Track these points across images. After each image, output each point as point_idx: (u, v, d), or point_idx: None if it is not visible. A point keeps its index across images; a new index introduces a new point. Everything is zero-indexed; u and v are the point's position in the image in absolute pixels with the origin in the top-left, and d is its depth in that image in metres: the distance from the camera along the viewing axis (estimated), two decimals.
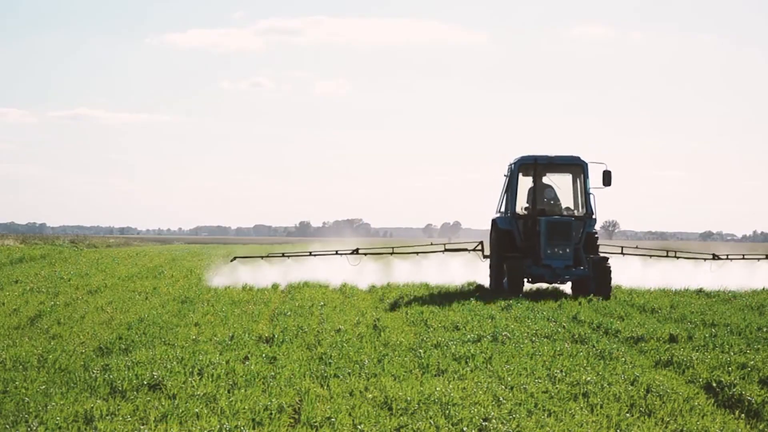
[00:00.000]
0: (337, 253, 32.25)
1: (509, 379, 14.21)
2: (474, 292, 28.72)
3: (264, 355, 16.29)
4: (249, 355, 16.23)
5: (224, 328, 19.85)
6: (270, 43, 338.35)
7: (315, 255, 32.81)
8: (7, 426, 11.62)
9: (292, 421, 11.82)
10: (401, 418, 11.82)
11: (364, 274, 32.37)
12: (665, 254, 34.37)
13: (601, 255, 29.24)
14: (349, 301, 26.07)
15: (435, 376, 14.65)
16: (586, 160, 28.96)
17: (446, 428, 11.39)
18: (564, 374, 14.57)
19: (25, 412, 12.07)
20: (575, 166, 29.06)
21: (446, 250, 32.86)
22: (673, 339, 18.64)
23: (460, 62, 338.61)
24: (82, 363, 15.70)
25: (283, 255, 33.29)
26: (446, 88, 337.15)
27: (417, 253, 34.77)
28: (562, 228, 28.07)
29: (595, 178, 28.86)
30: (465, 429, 11.36)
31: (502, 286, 28.82)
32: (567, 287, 30.13)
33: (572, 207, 29.25)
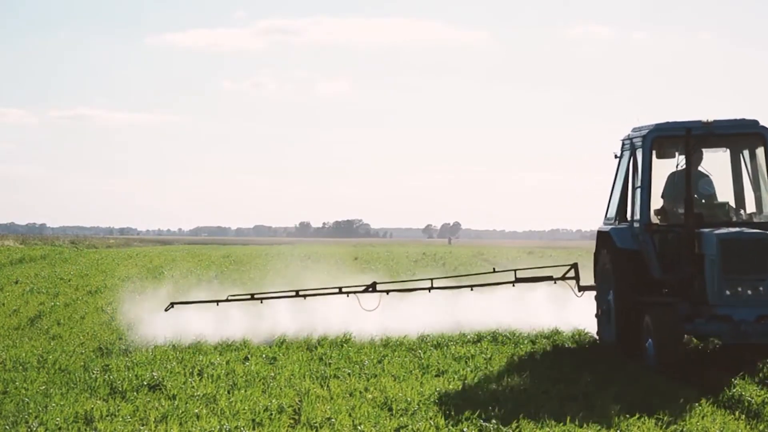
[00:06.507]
0: (341, 292, 19.51)
1: (509, 379, 14.21)
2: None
3: (264, 355, 16.29)
4: (249, 356, 16.23)
5: None
6: (271, 43, 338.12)
7: (304, 296, 19.64)
8: (7, 426, 11.62)
9: (292, 421, 11.82)
10: (401, 418, 11.82)
11: (384, 324, 19.43)
12: None
13: None
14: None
15: (435, 376, 14.64)
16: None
17: (446, 428, 11.39)
18: (564, 374, 14.56)
19: (25, 412, 12.07)
20: (752, 137, 16.75)
21: (517, 280, 19.49)
22: None
23: (461, 62, 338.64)
24: (82, 363, 15.70)
25: (252, 297, 19.86)
26: (447, 88, 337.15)
27: (471, 287, 20.45)
28: (750, 248, 15.41)
29: None
30: (465, 429, 11.36)
31: (643, 348, 15.75)
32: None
33: (733, 205, 17.19)
